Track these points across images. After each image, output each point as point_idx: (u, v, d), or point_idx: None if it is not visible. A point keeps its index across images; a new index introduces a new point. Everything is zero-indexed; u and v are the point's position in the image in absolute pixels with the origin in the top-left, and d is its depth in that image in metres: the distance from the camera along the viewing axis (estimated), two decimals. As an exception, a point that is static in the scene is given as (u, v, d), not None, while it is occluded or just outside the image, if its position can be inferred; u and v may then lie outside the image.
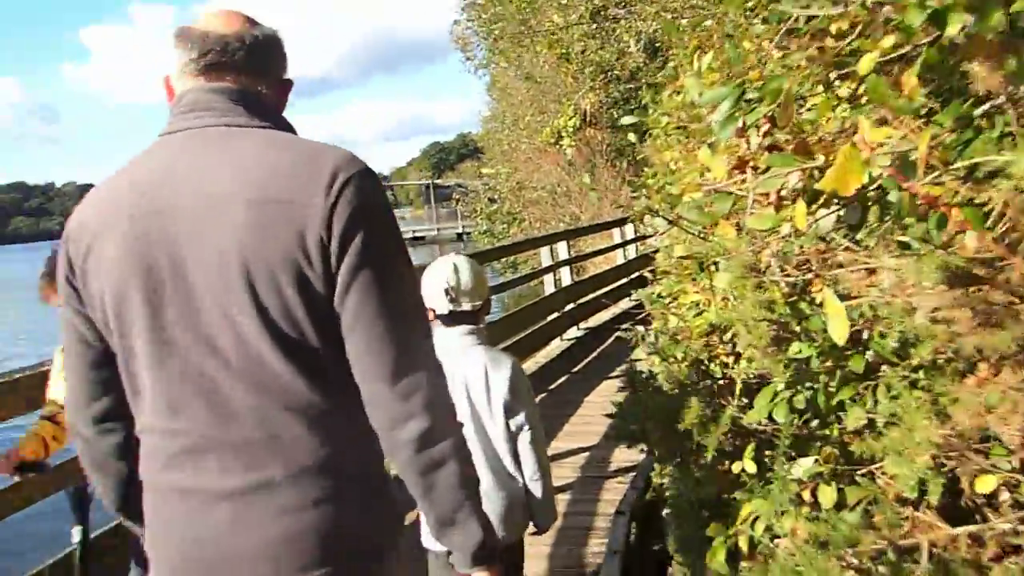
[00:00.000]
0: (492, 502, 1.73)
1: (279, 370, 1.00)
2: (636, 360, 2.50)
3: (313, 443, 1.02)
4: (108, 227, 1.04)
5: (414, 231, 52.51)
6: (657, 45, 12.08)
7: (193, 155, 1.04)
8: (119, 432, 1.12)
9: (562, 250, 7.89)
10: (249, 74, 1.09)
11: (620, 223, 9.71)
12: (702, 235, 1.90)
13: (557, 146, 13.80)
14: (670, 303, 2.29)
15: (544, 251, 7.76)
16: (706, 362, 1.85)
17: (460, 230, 39.88)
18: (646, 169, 3.47)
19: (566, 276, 7.80)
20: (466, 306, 1.81)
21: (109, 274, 1.04)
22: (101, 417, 1.12)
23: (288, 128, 1.10)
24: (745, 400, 1.57)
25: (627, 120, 2.56)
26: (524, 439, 1.81)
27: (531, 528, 1.87)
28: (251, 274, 0.99)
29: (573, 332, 7.38)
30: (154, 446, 1.07)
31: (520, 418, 1.81)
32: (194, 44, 1.07)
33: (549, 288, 7.58)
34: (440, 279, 1.81)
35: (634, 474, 3.76)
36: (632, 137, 3.33)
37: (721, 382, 1.77)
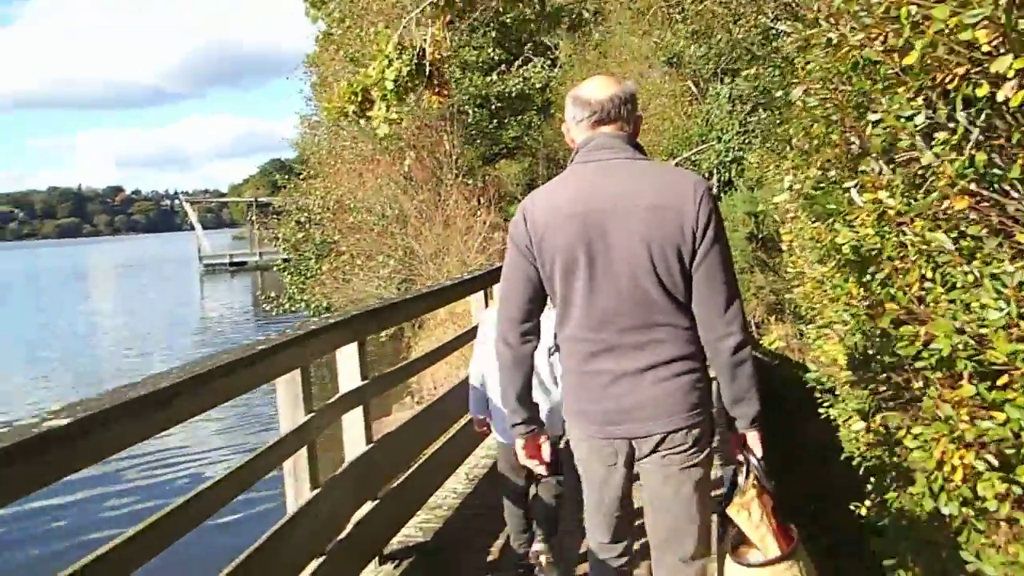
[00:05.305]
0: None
1: (660, 303, 1.78)
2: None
3: (676, 344, 1.80)
4: (556, 220, 1.80)
5: (231, 255, 44.83)
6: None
7: (607, 176, 1.81)
8: (533, 343, 1.90)
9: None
10: (624, 120, 1.86)
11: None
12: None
13: (364, 121, 6.39)
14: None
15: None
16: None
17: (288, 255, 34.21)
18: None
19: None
20: None
21: (561, 248, 1.79)
22: (526, 332, 1.88)
23: (645, 155, 1.88)
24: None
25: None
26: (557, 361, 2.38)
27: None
28: (651, 248, 1.75)
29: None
30: (578, 349, 1.84)
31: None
32: (586, 106, 1.86)
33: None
34: None
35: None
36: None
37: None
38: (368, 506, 2.91)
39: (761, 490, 1.80)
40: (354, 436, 2.94)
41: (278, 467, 2.38)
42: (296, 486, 2.46)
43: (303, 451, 2.43)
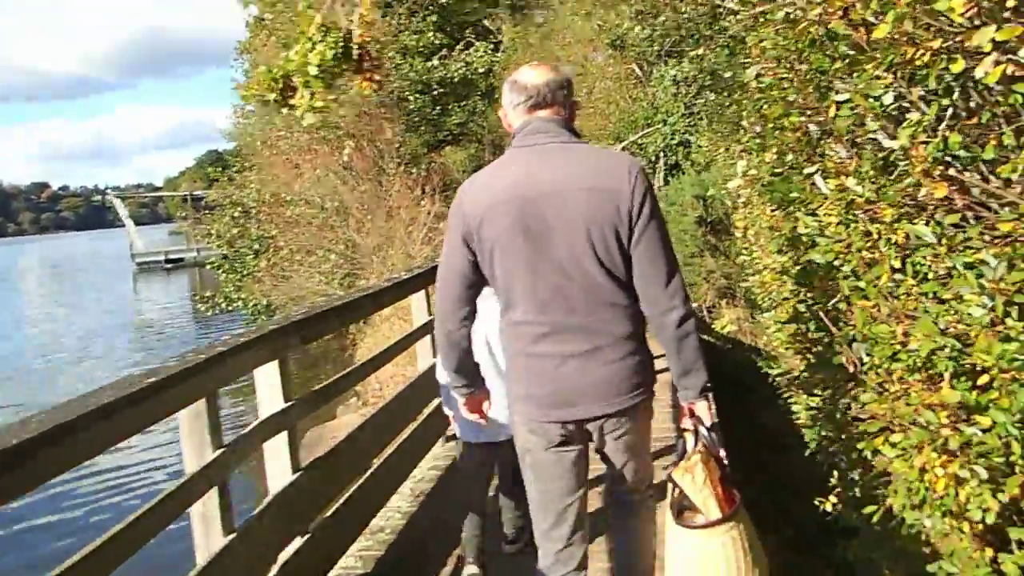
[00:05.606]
0: (501, 406, 2.27)
1: (602, 282, 1.81)
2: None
3: (621, 324, 1.85)
4: (493, 206, 1.82)
5: (167, 252, 43.10)
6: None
7: (543, 161, 1.84)
8: (469, 327, 1.94)
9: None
10: (560, 105, 1.90)
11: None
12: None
13: (288, 110, 5.53)
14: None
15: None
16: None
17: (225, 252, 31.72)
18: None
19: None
20: None
21: (500, 233, 1.81)
22: (464, 316, 1.92)
23: (581, 139, 1.94)
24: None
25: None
26: None
27: None
28: (590, 230, 1.78)
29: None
30: (525, 332, 1.87)
31: None
32: (522, 91, 1.90)
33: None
34: None
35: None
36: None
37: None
38: (297, 542, 2.61)
39: (707, 456, 1.87)
40: (278, 466, 2.62)
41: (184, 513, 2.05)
42: (207, 534, 2.15)
43: (213, 493, 2.12)
